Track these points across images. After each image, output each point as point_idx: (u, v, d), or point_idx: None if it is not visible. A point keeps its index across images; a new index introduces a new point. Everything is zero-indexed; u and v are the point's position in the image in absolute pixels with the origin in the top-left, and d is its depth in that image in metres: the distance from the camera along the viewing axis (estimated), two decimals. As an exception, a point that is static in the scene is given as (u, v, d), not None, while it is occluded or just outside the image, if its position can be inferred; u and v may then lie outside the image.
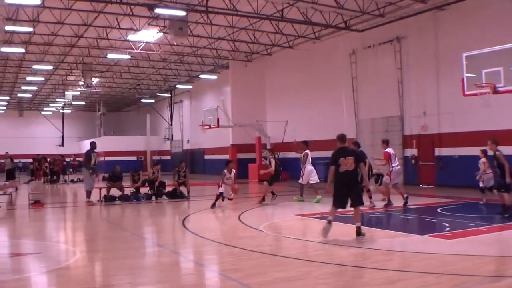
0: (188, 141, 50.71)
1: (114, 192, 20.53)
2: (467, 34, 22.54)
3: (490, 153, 14.22)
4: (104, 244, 11.51)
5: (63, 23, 26.58)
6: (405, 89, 26.22)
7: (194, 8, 24.22)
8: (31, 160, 40.55)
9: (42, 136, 64.37)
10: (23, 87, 49.65)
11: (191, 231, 12.68)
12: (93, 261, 9.60)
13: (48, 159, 36.50)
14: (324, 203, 17.67)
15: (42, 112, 65.61)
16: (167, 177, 25.20)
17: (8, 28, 26.40)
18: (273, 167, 18.60)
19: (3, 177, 29.17)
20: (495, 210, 14.23)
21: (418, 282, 7.25)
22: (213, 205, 17.18)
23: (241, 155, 36.45)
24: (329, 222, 10.58)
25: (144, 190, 21.01)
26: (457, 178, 22.44)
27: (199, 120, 41.51)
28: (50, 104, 62.68)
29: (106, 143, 53.15)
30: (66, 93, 51.69)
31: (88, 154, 19.66)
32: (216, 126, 36.92)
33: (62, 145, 63.54)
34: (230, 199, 17.98)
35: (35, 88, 50.64)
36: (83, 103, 61.67)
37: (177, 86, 49.97)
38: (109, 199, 20.05)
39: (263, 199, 18.32)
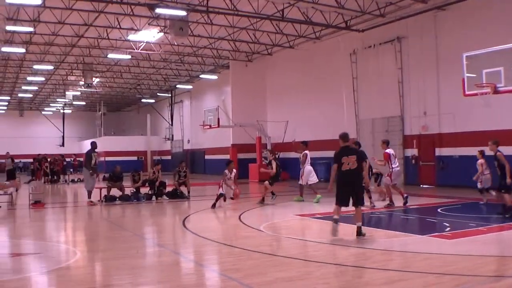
0: (188, 141, 50.70)
1: (115, 192, 20.53)
2: (468, 34, 22.54)
3: (491, 153, 14.20)
4: (104, 244, 11.51)
5: (63, 23, 26.59)
6: (406, 89, 26.21)
7: (194, 8, 24.22)
8: (31, 160, 40.54)
9: (43, 136, 64.41)
10: (24, 87, 49.68)
11: (191, 231, 12.67)
12: (94, 261, 9.59)
13: (49, 159, 36.50)
14: (324, 203, 17.72)
15: (43, 112, 65.63)
16: (168, 177, 25.21)
17: (9, 28, 26.40)
18: (274, 169, 18.61)
19: (3, 177, 29.17)
20: (496, 210, 14.22)
21: (419, 282, 7.25)
22: (214, 205, 17.17)
23: (241, 155, 36.44)
24: (336, 221, 10.61)
25: (144, 190, 21.02)
26: (457, 178, 22.42)
27: (199, 120, 41.54)
28: (51, 104, 62.69)
29: (107, 143, 53.20)
30: (66, 93, 51.71)
31: (89, 154, 19.66)
32: (216, 126, 36.97)
33: (63, 145, 63.56)
34: (232, 198, 17.95)
35: (35, 88, 50.67)
36: (83, 103, 61.69)
37: (177, 86, 49.97)
38: (109, 199, 20.06)
39: (263, 199, 18.32)
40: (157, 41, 31.89)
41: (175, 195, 20.91)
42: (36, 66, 37.08)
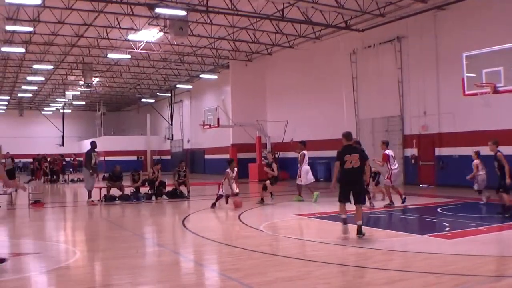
0: (188, 141, 50.69)
1: (114, 191, 20.52)
2: (468, 34, 22.54)
3: (487, 153, 14.19)
4: (104, 243, 11.51)
5: (63, 23, 26.58)
6: (405, 89, 26.21)
7: (194, 8, 24.21)
8: (31, 160, 40.53)
9: (42, 136, 64.38)
10: (24, 87, 49.68)
11: (191, 230, 12.67)
12: (93, 261, 9.59)
13: (48, 159, 36.50)
14: (323, 203, 17.77)
15: (43, 112, 65.62)
16: (167, 177, 25.21)
17: (9, 27, 26.40)
18: (276, 171, 18.66)
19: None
20: (495, 210, 14.23)
21: (419, 282, 7.24)
22: (213, 205, 17.16)
23: (241, 155, 36.42)
24: (345, 221, 10.65)
25: (144, 189, 21.01)
26: (457, 178, 22.39)
27: (199, 119, 41.53)
28: (51, 104, 62.70)
29: (106, 143, 53.18)
30: (66, 92, 51.71)
31: (89, 154, 19.64)
32: (216, 125, 36.94)
33: (62, 144, 63.54)
34: (236, 194, 17.77)
35: (35, 87, 50.68)
36: (83, 102, 61.70)
37: (177, 85, 49.97)
38: (109, 199, 20.05)
39: (262, 199, 18.32)
40: (157, 41, 31.89)
41: (175, 194, 20.91)
42: (35, 66, 37.08)
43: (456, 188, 21.44)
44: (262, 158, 34.27)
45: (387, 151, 16.55)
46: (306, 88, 33.40)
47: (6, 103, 61.33)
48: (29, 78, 44.53)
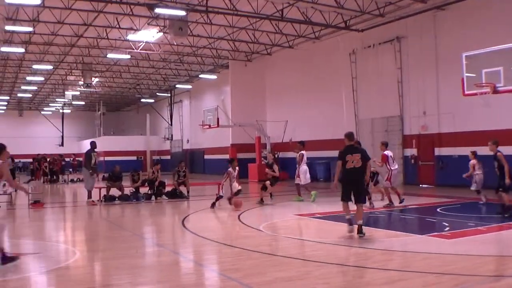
0: (188, 141, 50.70)
1: (114, 192, 20.52)
2: (467, 34, 22.55)
3: (484, 153, 14.18)
4: (103, 243, 11.51)
5: (63, 23, 26.58)
6: (405, 89, 26.22)
7: (194, 8, 24.21)
8: (31, 160, 40.53)
9: (42, 136, 64.38)
10: (23, 87, 49.68)
11: (191, 231, 12.67)
12: (93, 261, 9.59)
13: (48, 159, 36.50)
14: (323, 203, 17.78)
15: (42, 112, 65.63)
16: (167, 177, 25.20)
17: (8, 27, 26.40)
18: (277, 172, 18.70)
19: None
20: (495, 210, 14.23)
21: (419, 282, 7.24)
22: (213, 205, 17.15)
23: (241, 155, 36.41)
24: (350, 222, 10.69)
25: (143, 190, 21.01)
26: (457, 178, 22.30)
27: (199, 120, 41.52)
28: (50, 104, 62.73)
29: (106, 143, 53.17)
30: (66, 93, 51.71)
31: (89, 154, 19.63)
32: (216, 126, 36.92)
33: (62, 145, 63.53)
34: (239, 192, 17.60)
35: (35, 88, 50.68)
36: (83, 103, 61.71)
37: (177, 86, 49.97)
38: (108, 199, 20.05)
39: (262, 199, 18.33)
40: (157, 41, 31.91)
41: (175, 195, 20.91)
42: (35, 66, 37.09)
43: (455, 188, 21.43)
44: (262, 158, 34.30)
45: (386, 152, 16.59)
46: (305, 88, 33.40)
47: (6, 103, 61.36)
48: (28, 78, 44.53)
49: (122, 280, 7.78)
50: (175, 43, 33.32)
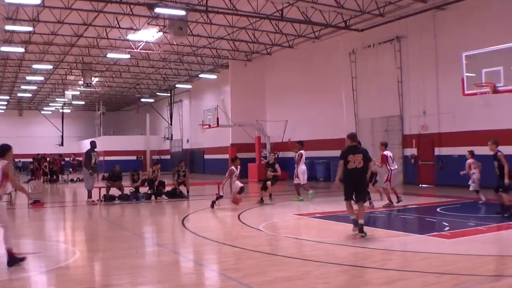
0: (187, 141, 50.71)
1: (114, 191, 20.52)
2: (467, 34, 22.55)
3: (490, 153, 14.18)
4: (103, 243, 11.51)
5: (63, 23, 26.58)
6: (405, 88, 26.22)
7: (194, 8, 24.21)
8: (30, 159, 40.53)
9: (42, 136, 64.34)
10: (23, 87, 49.68)
11: (190, 230, 12.67)
12: (93, 261, 9.59)
13: (48, 159, 36.51)
14: (322, 203, 17.80)
15: (42, 112, 65.61)
16: (167, 177, 25.20)
17: (8, 27, 26.40)
18: (279, 171, 18.75)
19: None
20: (494, 210, 14.22)
21: (418, 281, 7.24)
22: (213, 205, 17.13)
23: (240, 155, 36.19)
24: (355, 222, 10.74)
25: (143, 189, 21.01)
26: (456, 178, 22.33)
27: (198, 119, 41.52)
28: (50, 104, 62.74)
29: (106, 143, 53.19)
30: (66, 92, 51.72)
31: (89, 154, 19.63)
32: (215, 125, 36.91)
33: (62, 144, 63.51)
34: (241, 190, 17.50)
35: (35, 87, 50.67)
36: (82, 102, 61.72)
37: (176, 85, 49.98)
38: (108, 199, 20.05)
39: (262, 199, 18.33)
40: (157, 40, 31.91)
41: (174, 194, 20.91)
42: (35, 66, 37.10)
43: (455, 188, 21.43)
44: (262, 158, 34.31)
45: (385, 152, 16.61)
46: (305, 88, 33.40)
47: (6, 103, 61.35)
48: (28, 78, 44.54)
49: (122, 280, 7.78)
50: (175, 43, 33.32)
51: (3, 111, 64.46)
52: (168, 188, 21.30)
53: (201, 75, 42.73)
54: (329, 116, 30.83)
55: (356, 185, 10.83)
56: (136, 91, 54.40)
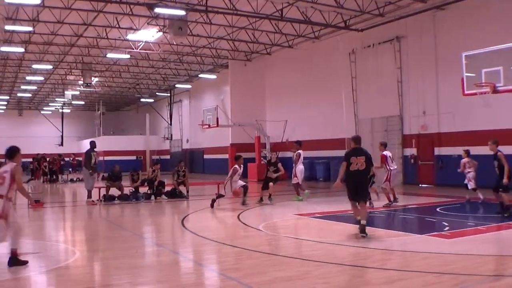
0: (187, 141, 50.71)
1: (114, 191, 20.51)
2: (467, 34, 22.55)
3: (490, 153, 14.18)
4: (103, 243, 11.51)
5: (62, 23, 26.58)
6: (405, 88, 26.22)
7: (193, 8, 24.21)
8: (30, 159, 40.56)
9: (42, 136, 64.28)
10: (23, 87, 49.66)
11: (190, 230, 12.67)
12: (93, 261, 9.59)
13: (48, 159, 36.51)
14: (322, 203, 17.77)
15: (42, 112, 65.58)
16: (167, 177, 25.19)
17: (8, 27, 26.39)
18: (282, 170, 18.79)
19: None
20: (494, 210, 14.22)
21: (418, 281, 7.25)
22: (213, 203, 17.11)
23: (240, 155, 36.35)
24: (359, 223, 10.78)
25: (143, 189, 21.00)
26: (456, 178, 22.31)
27: (198, 119, 41.49)
28: (50, 104, 62.71)
29: (106, 143, 53.18)
30: (65, 92, 51.71)
31: (88, 154, 19.62)
32: (215, 125, 36.88)
33: (62, 144, 63.49)
34: (245, 189, 17.49)
35: (34, 87, 50.66)
36: (82, 102, 61.66)
37: (176, 85, 49.97)
38: (108, 199, 20.04)
39: (261, 199, 18.34)
40: (156, 40, 31.90)
41: (174, 194, 20.91)
42: (35, 66, 37.08)
43: (455, 187, 21.42)
44: (262, 158, 34.31)
45: (385, 152, 16.65)
46: (305, 88, 33.40)
47: (6, 103, 61.31)
48: (28, 78, 44.52)
49: (122, 280, 7.78)
50: (174, 43, 33.31)
51: (3, 111, 64.44)
52: (167, 188, 21.29)
53: (201, 75, 42.72)
54: (328, 116, 30.83)
55: (358, 186, 10.95)
56: (136, 91, 54.40)
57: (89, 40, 31.91)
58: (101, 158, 31.19)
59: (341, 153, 25.61)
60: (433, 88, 24.52)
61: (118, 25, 27.76)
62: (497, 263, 8.80)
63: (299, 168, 19.17)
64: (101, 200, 19.86)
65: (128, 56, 35.10)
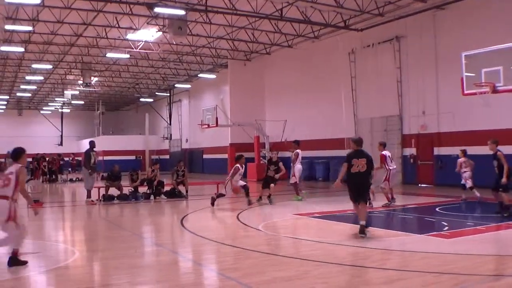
0: (187, 140, 50.69)
1: (113, 191, 20.50)
2: (467, 34, 22.55)
3: (490, 152, 14.18)
4: (103, 243, 11.50)
5: (62, 22, 26.57)
6: (404, 88, 26.22)
7: (193, 7, 24.20)
8: (30, 159, 40.57)
9: (41, 136, 64.22)
10: (22, 86, 49.64)
11: (189, 230, 12.66)
12: (92, 261, 9.58)
13: (47, 159, 36.48)
14: (321, 203, 17.79)
15: (42, 112, 65.53)
16: (166, 176, 25.18)
17: (8, 27, 26.39)
18: (283, 169, 18.82)
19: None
20: (493, 209, 14.20)
21: (418, 281, 7.24)
22: (213, 201, 17.07)
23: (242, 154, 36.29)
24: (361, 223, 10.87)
25: (142, 189, 20.99)
26: (456, 178, 22.31)
27: (198, 119, 41.45)
28: (50, 104, 62.68)
29: (105, 142, 53.14)
30: (65, 92, 51.70)
31: (88, 154, 19.62)
32: (214, 125, 36.84)
33: (61, 144, 63.45)
34: (246, 190, 17.32)
35: (34, 87, 50.64)
36: (82, 102, 61.66)
37: (176, 85, 49.96)
38: (107, 199, 20.02)
39: (260, 197, 18.31)
40: (156, 40, 31.89)
41: (173, 194, 20.90)
42: (34, 65, 37.07)
43: (454, 187, 21.41)
44: (261, 158, 34.29)
45: (384, 152, 16.63)
46: (304, 88, 33.40)
47: (5, 102, 61.29)
48: (28, 77, 44.51)
49: (121, 279, 7.77)
50: (174, 43, 33.29)
51: (2, 111, 64.43)
52: (167, 188, 21.29)
53: (201, 75, 42.71)
54: (328, 115, 30.83)
55: (360, 188, 11.07)
56: (135, 91, 54.38)
57: (89, 40, 31.91)
58: (100, 158, 31.18)
59: (340, 153, 25.84)
60: (433, 88, 24.52)
61: (118, 25, 27.75)
62: (497, 263, 8.80)
63: (297, 167, 19.17)
64: (100, 200, 19.85)
65: (127, 56, 35.11)
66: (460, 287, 6.95)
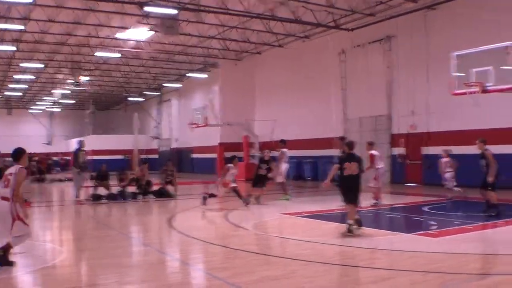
0: (176, 140, 50.56)
1: (101, 190, 20.43)
2: (458, 34, 22.63)
3: (478, 151, 14.22)
4: (90, 243, 11.44)
5: (54, 21, 26.43)
6: (395, 88, 26.28)
7: (185, 7, 24.11)
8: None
9: (31, 135, 63.84)
10: (12, 85, 49.33)
11: (177, 230, 12.63)
12: (80, 260, 9.56)
13: (36, 158, 36.28)
14: (310, 202, 17.79)
15: (31, 111, 65.10)
16: (155, 176, 25.11)
17: (0, 25, 26.22)
18: (275, 169, 18.74)
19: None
20: (481, 208, 14.25)
21: (405, 280, 7.27)
22: (204, 200, 16.99)
23: (229, 154, 36.19)
24: (359, 222, 11.12)
25: (131, 188, 20.92)
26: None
27: (187, 118, 41.32)
28: (40, 103, 62.32)
29: (95, 142, 52.83)
30: (54, 91, 51.40)
31: (76, 153, 19.56)
32: (204, 125, 36.72)
33: (50, 143, 63.07)
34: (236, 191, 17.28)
35: (24, 86, 50.33)
36: (73, 101, 61.33)
37: (166, 84, 49.84)
38: (96, 198, 19.93)
39: (249, 195, 18.23)
40: (147, 39, 31.76)
41: (162, 194, 20.84)
42: (23, 64, 36.83)
43: (443, 187, 21.51)
44: (250, 157, 34.23)
45: (372, 151, 16.66)
46: (295, 87, 33.41)
47: (-5, 101, 61.00)
48: (17, 76, 44.20)
49: (109, 279, 7.74)
50: (166, 42, 33.16)
51: (-9, 110, 64.11)
52: (155, 188, 21.23)
53: (191, 74, 42.63)
54: (318, 115, 30.86)
55: (353, 190, 11.29)
56: (124, 90, 54.15)
57: (80, 39, 31.75)
58: (89, 157, 31.03)
59: (329, 152, 25.81)
60: (423, 87, 24.55)
61: (109, 24, 27.59)
62: (483, 262, 8.86)
63: (283, 166, 19.14)
64: (89, 200, 19.77)
65: (118, 55, 35.00)
66: (446, 285, 6.98)
